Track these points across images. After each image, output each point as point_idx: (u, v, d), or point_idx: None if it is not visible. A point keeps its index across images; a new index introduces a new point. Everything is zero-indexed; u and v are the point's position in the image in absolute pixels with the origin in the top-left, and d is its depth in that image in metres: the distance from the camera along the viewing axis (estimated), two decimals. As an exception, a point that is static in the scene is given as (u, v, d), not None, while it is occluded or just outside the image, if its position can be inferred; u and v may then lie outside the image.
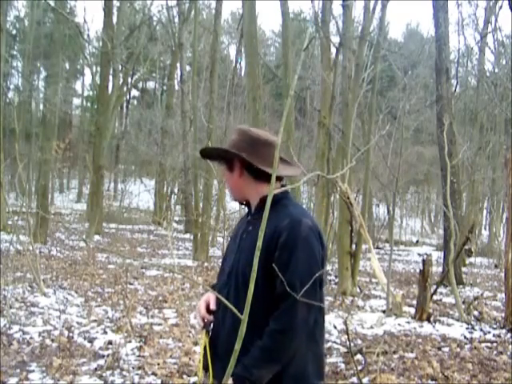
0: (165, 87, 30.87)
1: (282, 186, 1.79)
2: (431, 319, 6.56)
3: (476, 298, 7.67)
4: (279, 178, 1.79)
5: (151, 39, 26.05)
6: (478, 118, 20.32)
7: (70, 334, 5.17)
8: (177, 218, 24.14)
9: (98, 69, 22.58)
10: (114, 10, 19.02)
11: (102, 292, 7.62)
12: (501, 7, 18.58)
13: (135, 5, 26.20)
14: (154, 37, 26.54)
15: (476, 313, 7.18)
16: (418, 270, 7.63)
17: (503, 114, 17.74)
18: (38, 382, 3.93)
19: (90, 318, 5.98)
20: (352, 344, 5.16)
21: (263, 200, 1.69)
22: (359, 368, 4.45)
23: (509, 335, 5.96)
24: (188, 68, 23.42)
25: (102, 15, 26.23)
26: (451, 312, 7.33)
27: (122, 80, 21.48)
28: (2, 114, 13.88)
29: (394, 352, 5.04)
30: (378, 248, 17.44)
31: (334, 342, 5.24)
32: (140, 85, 36.85)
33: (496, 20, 19.53)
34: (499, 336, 5.93)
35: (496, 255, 16.59)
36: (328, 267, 9.88)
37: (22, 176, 9.19)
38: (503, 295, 6.99)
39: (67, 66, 31.95)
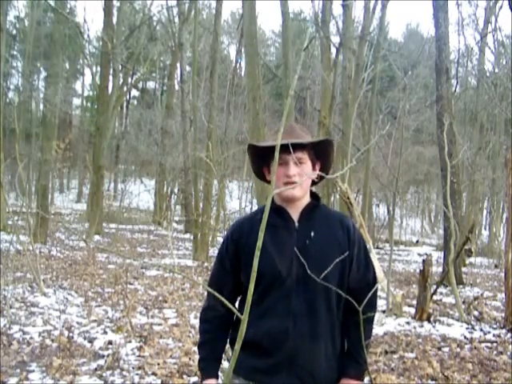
0: (165, 87, 30.88)
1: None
2: (431, 319, 6.55)
3: (476, 298, 7.67)
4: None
5: (151, 39, 26.05)
6: (478, 118, 20.33)
7: (70, 334, 5.17)
8: (177, 218, 24.15)
9: (98, 69, 22.59)
10: (114, 10, 19.03)
11: (102, 292, 7.62)
12: (501, 7, 18.63)
13: (135, 5, 26.21)
14: (154, 37, 26.53)
15: (476, 313, 7.17)
16: (418, 270, 7.63)
17: (503, 113, 17.73)
18: (38, 382, 3.93)
19: (90, 317, 5.97)
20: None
21: (312, 204, 1.77)
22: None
23: (509, 335, 5.96)
24: (188, 68, 23.42)
25: (102, 15, 26.28)
26: (451, 312, 7.33)
27: (122, 80, 21.48)
28: (2, 114, 13.87)
29: (394, 352, 5.04)
30: (378, 248, 17.44)
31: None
32: (140, 85, 36.87)
33: (496, 20, 19.58)
34: (499, 336, 5.92)
35: (496, 255, 16.59)
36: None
37: (22, 176, 9.18)
38: (503, 295, 6.99)
39: (67, 65, 32.00)
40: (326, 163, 1.80)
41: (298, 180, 1.67)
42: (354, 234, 1.75)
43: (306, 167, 1.71)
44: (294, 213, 1.73)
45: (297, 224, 1.71)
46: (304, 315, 1.65)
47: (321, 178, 1.80)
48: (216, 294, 1.43)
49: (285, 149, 1.62)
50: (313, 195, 1.80)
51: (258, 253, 1.24)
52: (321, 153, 1.77)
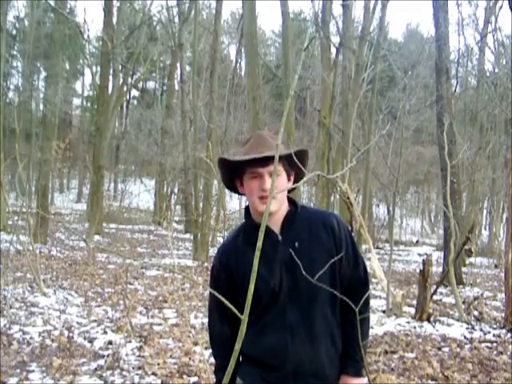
0: (165, 87, 30.88)
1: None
2: (431, 319, 6.55)
3: (476, 298, 7.66)
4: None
5: (151, 39, 26.06)
6: (478, 118, 20.32)
7: (70, 334, 5.17)
8: (177, 218, 24.14)
9: (98, 69, 22.61)
10: (114, 10, 19.01)
11: (102, 292, 7.62)
12: (501, 7, 18.62)
13: (135, 5, 26.22)
14: (154, 37, 26.54)
15: (476, 313, 7.17)
16: (417, 270, 7.63)
17: (503, 114, 17.75)
18: (38, 382, 3.93)
19: (90, 317, 5.98)
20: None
21: (291, 212, 1.72)
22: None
23: (509, 335, 5.96)
24: (188, 68, 23.44)
25: (102, 15, 26.28)
26: (451, 312, 7.33)
27: (122, 80, 21.48)
28: (2, 114, 13.87)
29: (394, 352, 5.04)
30: (378, 248, 17.43)
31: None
32: (140, 85, 36.86)
33: (496, 20, 19.54)
34: (499, 336, 5.92)
35: (496, 255, 16.57)
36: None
37: (22, 176, 9.18)
38: (503, 295, 6.99)
39: (67, 66, 31.99)
40: (300, 171, 1.75)
41: (273, 194, 1.64)
42: (340, 231, 1.72)
43: (281, 179, 1.67)
44: (275, 226, 1.70)
45: (280, 237, 1.69)
46: (301, 326, 1.66)
47: (295, 183, 1.77)
48: (218, 295, 1.42)
49: (258, 162, 1.62)
50: (289, 200, 1.76)
51: (258, 253, 1.24)
52: (295, 162, 1.70)
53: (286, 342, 1.65)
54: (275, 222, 1.70)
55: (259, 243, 1.26)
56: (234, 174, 1.74)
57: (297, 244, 1.67)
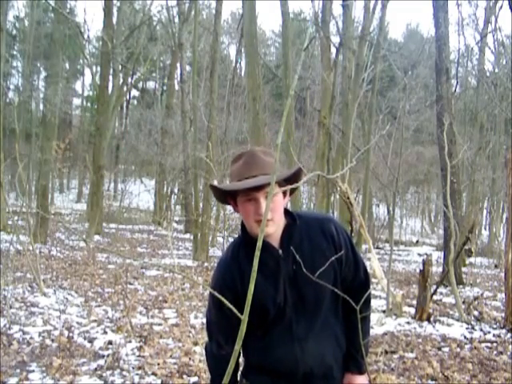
0: (165, 87, 30.89)
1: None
2: (431, 319, 6.55)
3: (476, 298, 7.67)
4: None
5: (151, 39, 26.08)
6: (478, 118, 20.32)
7: (70, 334, 5.17)
8: (177, 218, 24.15)
9: (98, 69, 22.60)
10: (114, 10, 19.04)
11: (102, 292, 7.62)
12: (501, 7, 18.61)
13: (135, 5, 26.23)
14: (154, 37, 26.56)
15: (476, 313, 7.17)
16: (417, 270, 7.63)
17: (503, 114, 17.75)
18: (38, 382, 3.93)
19: (90, 317, 5.98)
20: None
21: (288, 225, 1.68)
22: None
23: (509, 335, 5.96)
24: (188, 68, 23.46)
25: (102, 15, 26.26)
26: (451, 312, 7.33)
27: (122, 80, 21.50)
28: (2, 114, 13.86)
29: (394, 352, 5.04)
30: (378, 248, 17.44)
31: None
32: (140, 85, 36.87)
33: (496, 20, 19.52)
34: (499, 336, 5.92)
35: (496, 255, 16.58)
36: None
37: (22, 176, 9.18)
38: (503, 295, 6.99)
39: (67, 65, 32.01)
40: (296, 182, 1.70)
41: (270, 216, 1.58)
42: (339, 237, 1.70)
43: (277, 200, 1.61)
44: (274, 241, 1.67)
45: (280, 251, 1.66)
46: (308, 336, 1.67)
47: (291, 192, 1.75)
48: (222, 298, 1.40)
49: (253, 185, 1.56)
50: (285, 212, 1.71)
51: (258, 252, 1.25)
52: (291, 179, 1.68)
53: (295, 356, 1.67)
54: (274, 237, 1.67)
55: (259, 243, 1.26)
56: (227, 194, 1.69)
57: (298, 257, 1.63)
